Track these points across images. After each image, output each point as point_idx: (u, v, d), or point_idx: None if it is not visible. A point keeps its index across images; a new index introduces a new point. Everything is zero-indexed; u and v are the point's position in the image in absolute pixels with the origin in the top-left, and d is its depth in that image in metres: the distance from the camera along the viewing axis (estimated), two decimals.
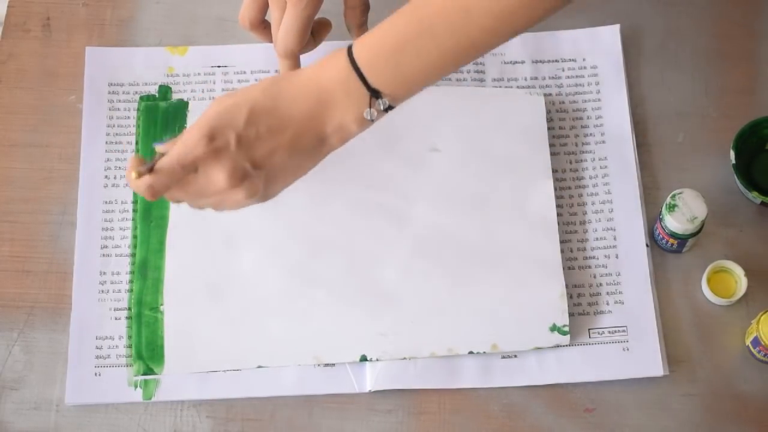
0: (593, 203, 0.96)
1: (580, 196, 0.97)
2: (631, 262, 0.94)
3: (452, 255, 0.93)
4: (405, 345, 0.90)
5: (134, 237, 0.95)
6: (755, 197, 0.94)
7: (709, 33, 1.03)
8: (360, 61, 0.75)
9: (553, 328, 0.90)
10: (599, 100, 1.00)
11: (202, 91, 1.01)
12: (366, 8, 0.96)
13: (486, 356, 0.91)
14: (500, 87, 1.00)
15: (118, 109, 1.00)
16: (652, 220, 0.95)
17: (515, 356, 0.91)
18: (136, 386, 0.90)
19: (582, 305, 0.93)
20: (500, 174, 0.96)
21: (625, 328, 0.92)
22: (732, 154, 0.94)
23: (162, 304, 0.92)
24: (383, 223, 0.94)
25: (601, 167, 0.97)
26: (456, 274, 0.92)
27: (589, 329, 0.92)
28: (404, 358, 0.90)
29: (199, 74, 1.01)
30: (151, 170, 0.75)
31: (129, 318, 0.92)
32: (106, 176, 0.97)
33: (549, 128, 0.98)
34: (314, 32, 0.95)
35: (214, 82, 1.01)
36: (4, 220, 0.96)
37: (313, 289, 0.92)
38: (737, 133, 0.95)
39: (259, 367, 0.90)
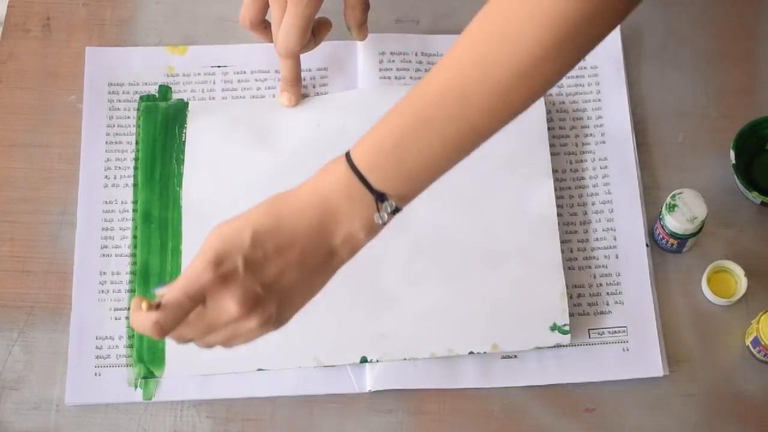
0: (593, 203, 0.96)
1: (581, 196, 0.97)
2: (631, 262, 0.94)
3: (452, 255, 0.93)
4: (405, 346, 0.90)
5: (134, 237, 0.95)
6: (755, 197, 0.94)
7: (709, 33, 1.03)
8: (360, 164, 0.71)
9: (554, 328, 0.90)
10: (599, 100, 1.00)
11: (202, 91, 1.01)
12: (366, 7, 0.96)
13: (486, 356, 0.91)
14: None
15: (118, 109, 1.00)
16: (652, 220, 0.95)
17: (515, 356, 0.91)
18: (136, 386, 0.90)
19: (582, 305, 0.93)
20: (500, 174, 0.96)
21: (625, 329, 0.92)
22: (732, 154, 0.94)
23: None
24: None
25: (601, 167, 0.97)
26: (456, 274, 0.92)
27: (589, 329, 0.92)
28: (404, 359, 0.90)
29: (199, 74, 1.01)
30: (157, 307, 0.70)
31: (129, 318, 0.92)
32: (106, 176, 0.97)
33: (549, 128, 0.98)
34: (315, 32, 0.95)
35: (214, 82, 1.01)
36: (4, 220, 0.96)
37: None
38: (737, 133, 0.95)
39: (260, 369, 0.90)
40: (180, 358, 0.90)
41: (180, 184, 0.96)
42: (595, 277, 0.93)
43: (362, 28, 0.98)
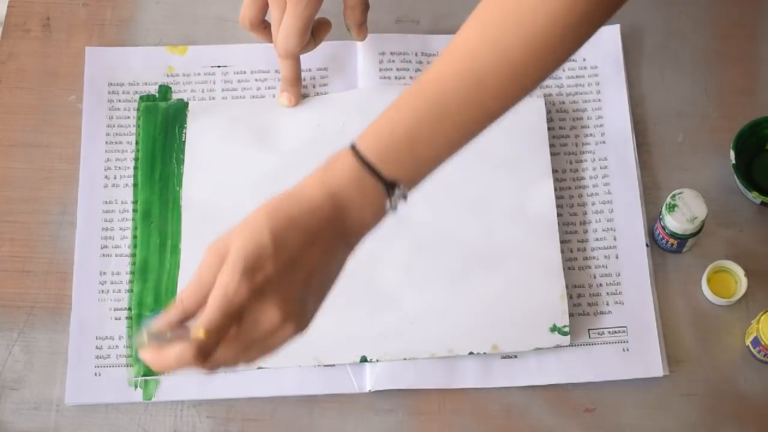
0: (593, 203, 0.96)
1: (580, 196, 0.97)
2: (631, 262, 0.94)
3: (452, 255, 0.93)
4: (405, 346, 0.90)
5: (134, 237, 0.95)
6: (755, 197, 0.94)
7: (709, 33, 1.03)
8: (370, 155, 0.71)
9: (554, 329, 0.90)
10: (599, 100, 1.00)
11: (202, 91, 1.01)
12: (366, 7, 0.96)
13: (486, 356, 0.91)
14: None
15: (118, 109, 1.00)
16: (652, 220, 0.95)
17: (515, 356, 0.91)
18: (136, 386, 0.90)
19: (582, 306, 0.93)
20: (500, 174, 0.96)
21: (625, 329, 0.92)
22: (732, 154, 0.94)
23: (164, 306, 0.92)
24: (383, 223, 0.94)
25: (601, 167, 0.97)
26: (456, 274, 0.92)
27: (589, 329, 0.92)
28: (404, 359, 0.90)
29: (199, 74, 1.01)
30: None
31: (129, 318, 0.92)
32: (106, 176, 0.97)
33: (549, 128, 0.98)
34: (314, 32, 0.95)
35: (214, 82, 1.01)
36: (4, 220, 0.96)
37: None
38: (737, 133, 0.95)
39: (260, 368, 0.90)
40: None
41: (180, 184, 0.96)
42: (595, 277, 0.93)
43: (362, 29, 0.98)
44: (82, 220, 0.95)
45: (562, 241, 0.94)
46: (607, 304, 0.93)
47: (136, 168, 0.97)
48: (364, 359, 0.90)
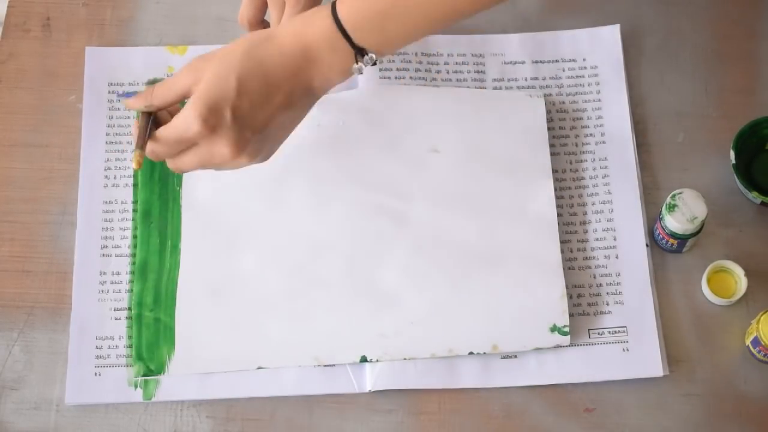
0: (593, 203, 0.96)
1: (580, 196, 0.97)
2: (631, 262, 0.94)
3: (452, 255, 0.93)
4: (405, 346, 0.90)
5: (134, 237, 0.95)
6: (755, 197, 0.94)
7: (709, 33, 1.03)
8: (345, 21, 0.77)
9: (554, 329, 0.90)
10: (599, 100, 1.00)
11: None
12: None
13: (486, 356, 0.91)
14: (500, 87, 1.00)
15: (118, 109, 1.00)
16: (652, 220, 0.95)
17: (515, 356, 0.91)
18: (136, 386, 0.90)
19: (582, 305, 0.93)
20: (500, 174, 0.96)
21: (625, 329, 0.92)
22: (732, 154, 0.94)
23: (164, 306, 0.92)
24: (384, 223, 0.94)
25: (601, 167, 0.97)
26: (456, 274, 0.92)
27: (589, 329, 0.92)
28: (404, 359, 0.90)
29: None
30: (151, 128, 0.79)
31: (129, 318, 0.92)
32: (106, 176, 0.97)
33: (549, 128, 0.98)
34: None
35: None
36: (4, 220, 0.96)
37: (313, 289, 0.92)
38: (737, 133, 0.95)
39: (260, 368, 0.90)
40: (181, 356, 0.90)
41: (180, 184, 0.96)
42: (595, 277, 0.93)
43: None
44: (82, 220, 0.95)
45: (562, 241, 0.94)
46: (607, 304, 0.93)
47: None
48: (364, 359, 0.90)
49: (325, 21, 0.78)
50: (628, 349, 0.91)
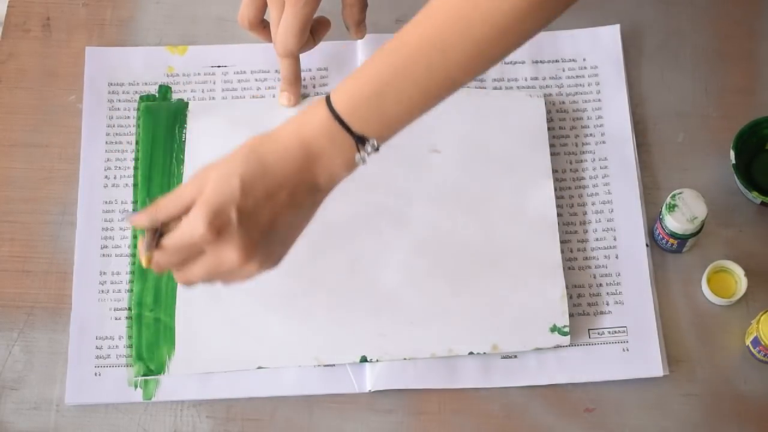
0: (593, 203, 0.96)
1: (580, 196, 0.97)
2: (631, 262, 0.94)
3: (452, 255, 0.93)
4: (405, 345, 0.90)
5: (134, 237, 0.95)
6: (755, 197, 0.94)
7: (709, 33, 1.03)
8: (340, 109, 0.74)
9: (554, 329, 0.90)
10: (599, 100, 1.00)
11: (202, 91, 1.01)
12: (364, 6, 0.96)
13: (486, 356, 0.91)
14: (500, 87, 1.00)
15: (118, 109, 1.00)
16: (652, 220, 0.95)
17: (515, 356, 0.91)
18: (136, 386, 0.90)
19: (582, 305, 0.93)
20: (500, 174, 0.96)
21: (625, 329, 0.92)
22: (732, 154, 0.94)
23: (164, 306, 0.92)
24: (383, 223, 0.94)
25: (601, 167, 0.97)
26: (456, 274, 0.92)
27: (589, 329, 0.92)
28: (404, 359, 0.90)
29: (199, 74, 1.01)
30: (158, 240, 0.76)
31: (129, 318, 0.92)
32: (106, 176, 0.97)
33: (549, 128, 0.98)
34: (313, 31, 0.95)
35: (214, 82, 1.01)
36: (4, 220, 0.96)
37: (313, 289, 0.92)
38: (737, 133, 0.95)
39: (260, 368, 0.90)
40: (181, 356, 0.90)
41: (180, 184, 0.96)
42: (595, 277, 0.93)
43: (360, 27, 0.98)
44: (82, 220, 0.95)
45: (562, 241, 0.94)
46: (607, 304, 0.93)
47: (136, 168, 0.97)
48: (364, 359, 0.90)
49: (321, 113, 0.75)
50: (628, 349, 0.91)
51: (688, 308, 0.93)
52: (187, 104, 0.99)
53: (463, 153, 0.97)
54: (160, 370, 0.90)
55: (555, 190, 0.96)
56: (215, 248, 0.74)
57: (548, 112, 0.99)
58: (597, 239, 0.95)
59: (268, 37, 0.96)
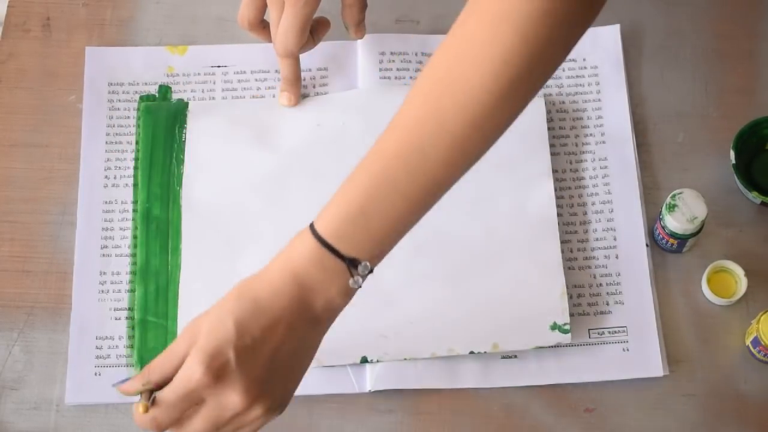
0: (593, 203, 0.96)
1: (580, 196, 0.97)
2: (631, 262, 0.94)
3: (452, 255, 0.93)
4: (405, 346, 0.90)
5: (134, 237, 0.95)
6: (755, 197, 0.94)
7: (709, 33, 1.03)
8: (326, 234, 0.72)
9: (554, 327, 0.90)
10: (599, 100, 1.00)
11: (202, 91, 1.01)
12: (363, 6, 0.96)
13: (486, 356, 0.91)
14: None
15: (118, 109, 1.00)
16: (652, 220, 0.95)
17: (515, 356, 0.91)
18: None
19: (582, 305, 0.93)
20: (500, 174, 0.96)
21: (625, 329, 0.92)
22: (732, 154, 0.94)
23: (166, 309, 0.92)
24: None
25: (601, 167, 0.97)
26: (456, 274, 0.92)
27: (589, 329, 0.92)
28: (404, 359, 0.90)
29: (199, 74, 1.01)
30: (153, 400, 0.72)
31: (129, 318, 0.92)
32: (106, 176, 0.97)
33: (549, 128, 0.98)
34: (313, 31, 0.95)
35: (214, 82, 1.01)
36: (4, 220, 0.96)
37: None
38: (737, 133, 0.95)
39: None
40: None
41: (180, 184, 0.96)
42: (595, 277, 0.93)
43: (360, 27, 0.98)
44: (82, 220, 0.95)
45: (562, 241, 0.94)
46: (607, 304, 0.93)
47: (136, 168, 0.97)
48: (364, 360, 0.90)
49: (308, 242, 0.72)
50: (628, 349, 0.91)
51: (688, 308, 0.93)
52: (187, 104, 0.99)
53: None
54: None
55: (555, 190, 0.96)
56: (216, 394, 0.71)
57: (548, 112, 0.99)
58: (597, 239, 0.95)
59: (268, 38, 0.96)
